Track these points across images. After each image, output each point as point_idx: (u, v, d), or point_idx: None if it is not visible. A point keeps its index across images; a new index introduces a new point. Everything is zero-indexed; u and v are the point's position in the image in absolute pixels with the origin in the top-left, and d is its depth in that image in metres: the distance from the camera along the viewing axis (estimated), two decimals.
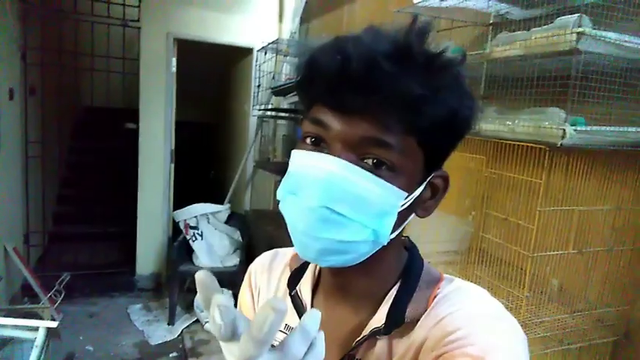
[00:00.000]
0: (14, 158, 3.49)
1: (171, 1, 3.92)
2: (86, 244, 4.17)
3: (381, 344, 0.55)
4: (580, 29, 1.15)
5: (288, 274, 0.67)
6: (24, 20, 3.52)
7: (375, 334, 0.55)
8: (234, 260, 3.69)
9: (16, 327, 1.87)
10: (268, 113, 4.03)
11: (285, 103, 3.94)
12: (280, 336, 0.57)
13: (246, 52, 4.27)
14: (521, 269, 1.40)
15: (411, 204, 0.52)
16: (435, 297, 0.55)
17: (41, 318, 2.65)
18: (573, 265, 1.41)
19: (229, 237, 3.78)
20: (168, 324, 3.50)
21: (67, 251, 4.03)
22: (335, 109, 0.49)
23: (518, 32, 1.43)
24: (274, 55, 3.54)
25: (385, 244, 0.52)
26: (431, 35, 0.50)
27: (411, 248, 0.61)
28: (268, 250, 0.75)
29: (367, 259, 0.52)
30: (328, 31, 3.27)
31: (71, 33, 4.01)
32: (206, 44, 4.10)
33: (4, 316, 1.95)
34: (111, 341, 3.24)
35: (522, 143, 1.35)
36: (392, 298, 0.56)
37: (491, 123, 1.45)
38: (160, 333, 3.40)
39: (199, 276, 0.37)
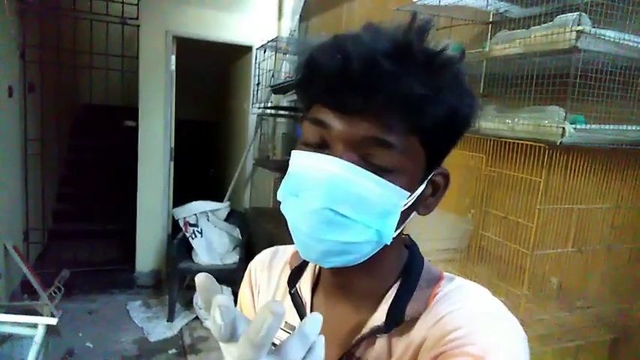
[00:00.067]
0: (13, 156, 3.49)
1: None
2: (86, 241, 4.17)
3: (381, 343, 0.55)
4: (579, 28, 1.15)
5: (288, 271, 0.67)
6: (23, 18, 3.51)
7: (375, 332, 0.55)
8: (233, 258, 3.69)
9: (15, 324, 1.87)
10: (268, 111, 4.03)
11: (284, 101, 3.93)
12: (280, 334, 0.58)
13: (246, 50, 4.27)
14: (521, 267, 1.39)
15: (412, 202, 0.52)
16: (436, 296, 0.55)
17: (41, 315, 2.66)
18: (572, 263, 1.41)
19: (229, 234, 3.78)
20: (168, 321, 3.50)
21: (67, 249, 4.03)
22: (335, 109, 0.49)
23: (518, 30, 1.43)
24: (273, 53, 3.53)
25: (388, 243, 0.51)
26: (430, 33, 0.49)
27: (411, 246, 0.61)
28: (268, 247, 0.75)
29: (368, 258, 0.52)
30: (327, 29, 3.26)
31: (70, 31, 4.01)
32: (205, 42, 4.09)
33: (4, 313, 1.95)
34: (110, 338, 3.25)
35: (522, 141, 1.35)
36: (392, 297, 0.56)
37: (490, 121, 1.45)
38: (159, 330, 3.41)
39: (199, 279, 0.37)
